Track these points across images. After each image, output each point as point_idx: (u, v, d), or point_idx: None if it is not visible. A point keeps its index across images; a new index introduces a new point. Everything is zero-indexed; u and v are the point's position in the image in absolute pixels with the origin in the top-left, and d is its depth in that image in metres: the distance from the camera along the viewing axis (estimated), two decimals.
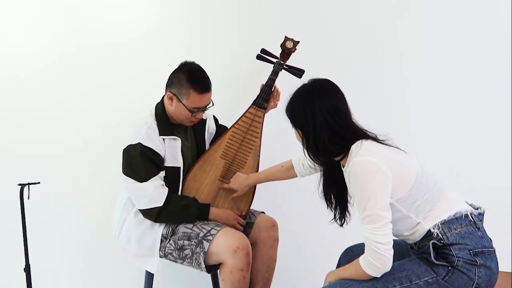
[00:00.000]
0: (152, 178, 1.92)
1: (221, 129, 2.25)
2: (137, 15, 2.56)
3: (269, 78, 2.19)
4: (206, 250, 1.88)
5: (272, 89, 2.20)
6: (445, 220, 1.50)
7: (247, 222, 2.10)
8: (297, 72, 2.23)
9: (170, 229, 1.97)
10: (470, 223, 1.51)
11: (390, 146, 1.56)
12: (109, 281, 2.65)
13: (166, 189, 1.95)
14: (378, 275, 1.49)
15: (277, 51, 2.27)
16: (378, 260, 1.45)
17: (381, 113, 2.43)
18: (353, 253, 1.77)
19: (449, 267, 1.47)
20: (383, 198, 1.45)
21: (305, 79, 1.66)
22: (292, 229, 2.40)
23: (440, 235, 1.49)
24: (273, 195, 2.40)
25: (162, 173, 1.97)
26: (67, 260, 2.66)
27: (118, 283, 2.65)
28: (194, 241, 1.91)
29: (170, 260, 1.98)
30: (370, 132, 1.58)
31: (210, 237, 1.89)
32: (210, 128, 2.22)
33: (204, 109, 2.00)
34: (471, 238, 1.49)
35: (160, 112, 2.01)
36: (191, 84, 1.93)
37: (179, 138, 2.03)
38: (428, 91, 2.47)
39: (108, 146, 2.49)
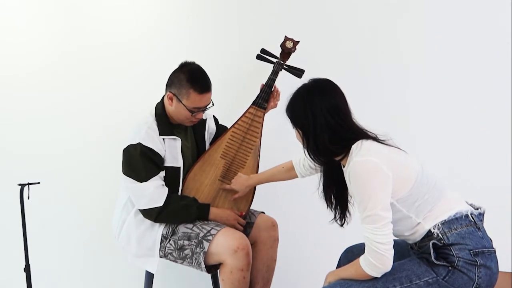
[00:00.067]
0: (152, 178, 1.92)
1: (221, 129, 2.25)
2: (137, 15, 2.56)
3: (269, 78, 2.19)
4: (206, 250, 1.88)
5: (272, 89, 2.20)
6: (445, 220, 1.50)
7: (247, 222, 2.10)
8: (297, 72, 2.23)
9: (170, 229, 1.97)
10: (470, 223, 1.51)
11: (390, 146, 1.56)
12: (109, 281, 2.65)
13: (166, 189, 1.95)
14: (378, 275, 1.49)
15: (277, 51, 2.26)
16: (378, 260, 1.45)
17: (381, 113, 2.43)
18: (353, 253, 1.76)
19: (449, 267, 1.47)
20: (383, 198, 1.45)
21: (305, 79, 1.66)
22: (292, 229, 2.40)
23: (440, 235, 1.49)
24: (273, 195, 2.40)
25: (162, 173, 1.97)
26: (67, 260, 2.66)
27: (118, 283, 2.65)
28: (194, 241, 1.91)
29: (170, 260, 1.98)
30: (370, 132, 1.58)
31: (210, 237, 1.89)
32: (210, 128, 2.22)
33: (204, 109, 2.00)
34: (471, 238, 1.49)
35: (160, 112, 2.01)
36: (191, 84, 1.93)
37: (179, 138, 2.03)
38: (428, 91, 2.47)
39: (108, 146, 2.49)
